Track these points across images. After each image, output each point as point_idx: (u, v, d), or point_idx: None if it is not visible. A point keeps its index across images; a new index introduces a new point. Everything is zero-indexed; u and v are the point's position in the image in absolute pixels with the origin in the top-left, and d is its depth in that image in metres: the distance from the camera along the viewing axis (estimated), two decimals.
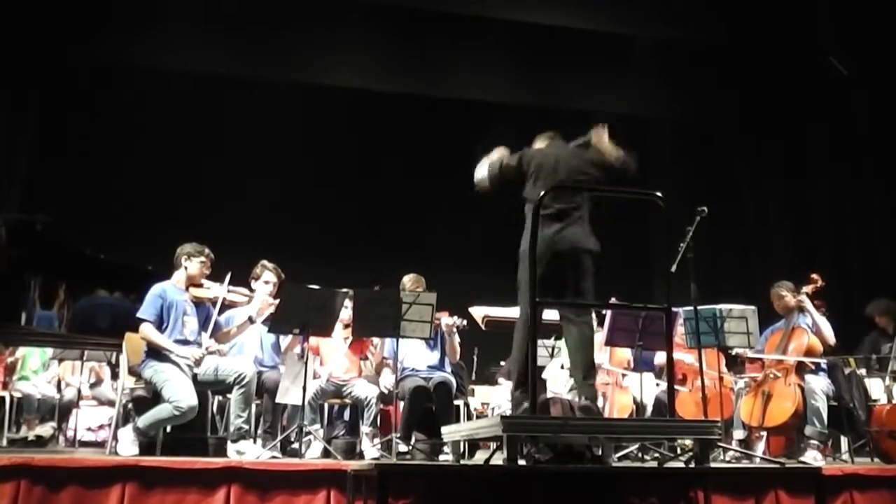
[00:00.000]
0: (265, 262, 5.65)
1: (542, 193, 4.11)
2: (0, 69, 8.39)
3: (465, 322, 5.76)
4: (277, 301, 5.21)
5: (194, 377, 4.85)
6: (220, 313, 5.18)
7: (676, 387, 5.62)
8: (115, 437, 4.80)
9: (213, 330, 5.10)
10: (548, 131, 4.80)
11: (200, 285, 5.17)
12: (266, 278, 5.57)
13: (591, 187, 4.50)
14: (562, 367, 6.49)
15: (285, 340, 5.62)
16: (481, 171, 4.66)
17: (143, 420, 4.70)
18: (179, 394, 4.65)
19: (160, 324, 4.94)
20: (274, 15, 9.03)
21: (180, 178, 9.20)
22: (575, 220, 4.37)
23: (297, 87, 9.59)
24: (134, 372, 5.17)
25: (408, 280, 5.94)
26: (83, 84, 9.08)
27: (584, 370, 4.26)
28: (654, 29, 9.38)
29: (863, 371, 6.00)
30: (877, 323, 6.63)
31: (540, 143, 4.74)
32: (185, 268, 5.12)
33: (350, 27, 9.35)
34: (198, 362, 4.90)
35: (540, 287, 4.09)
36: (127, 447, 4.65)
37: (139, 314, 4.90)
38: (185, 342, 4.96)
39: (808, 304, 5.81)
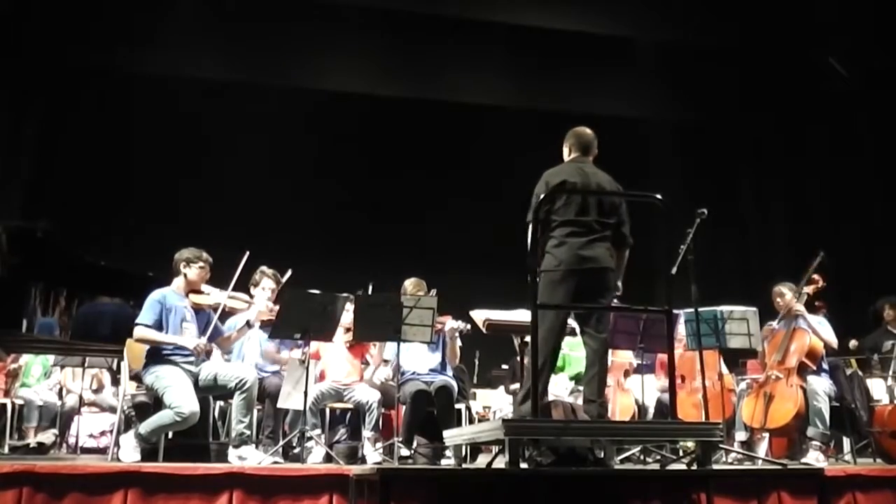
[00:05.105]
0: (264, 268, 5.64)
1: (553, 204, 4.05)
2: (1, 75, 8.40)
3: (468, 326, 5.75)
4: (277, 307, 5.20)
5: (195, 383, 4.85)
6: (220, 319, 5.17)
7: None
8: (116, 444, 4.80)
9: (212, 335, 5.10)
10: (584, 140, 4.52)
11: (201, 291, 5.15)
12: (265, 285, 5.56)
13: (590, 191, 4.41)
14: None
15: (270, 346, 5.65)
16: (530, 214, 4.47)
17: (145, 426, 4.69)
18: (181, 400, 4.64)
19: (159, 329, 4.90)
20: (274, 19, 9.05)
21: (181, 182, 9.22)
22: (602, 238, 4.32)
23: (298, 92, 9.60)
24: (136, 377, 5.16)
25: (409, 284, 5.94)
26: (84, 90, 9.10)
27: (597, 387, 4.21)
28: (654, 31, 9.39)
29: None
30: (884, 316, 6.62)
31: (574, 153, 4.53)
32: (185, 274, 5.09)
33: (349, 31, 9.36)
34: (199, 352, 4.89)
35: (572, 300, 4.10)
36: (129, 453, 4.64)
37: (137, 319, 4.86)
38: (184, 348, 4.94)
39: (803, 311, 5.76)
